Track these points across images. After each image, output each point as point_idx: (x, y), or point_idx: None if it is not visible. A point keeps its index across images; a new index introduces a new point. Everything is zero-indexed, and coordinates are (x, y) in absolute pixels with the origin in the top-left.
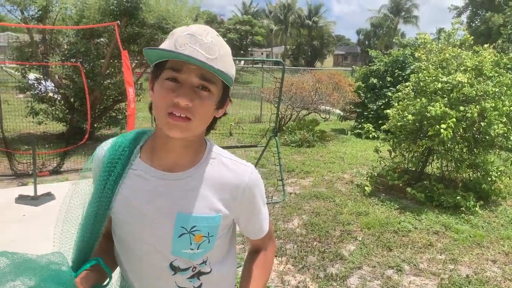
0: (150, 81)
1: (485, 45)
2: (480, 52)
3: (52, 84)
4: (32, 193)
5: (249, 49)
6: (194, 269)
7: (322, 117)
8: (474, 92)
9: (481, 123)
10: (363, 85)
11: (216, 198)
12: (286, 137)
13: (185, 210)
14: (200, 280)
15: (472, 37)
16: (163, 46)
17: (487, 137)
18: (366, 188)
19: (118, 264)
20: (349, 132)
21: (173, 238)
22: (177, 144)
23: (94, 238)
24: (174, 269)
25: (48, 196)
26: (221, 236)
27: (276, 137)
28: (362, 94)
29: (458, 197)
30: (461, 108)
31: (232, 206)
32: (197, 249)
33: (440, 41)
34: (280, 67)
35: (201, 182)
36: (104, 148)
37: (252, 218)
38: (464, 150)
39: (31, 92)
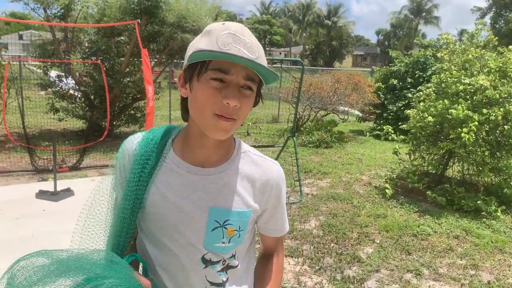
0: (180, 79)
1: (510, 46)
2: (504, 53)
3: (73, 82)
4: (52, 189)
5: (268, 48)
6: (224, 263)
7: (340, 118)
8: (498, 95)
9: (505, 126)
10: (383, 86)
11: (247, 193)
12: (303, 137)
13: (219, 204)
14: (228, 274)
15: (497, 38)
16: (203, 45)
17: (511, 140)
18: (387, 191)
19: (145, 260)
20: (367, 134)
21: (207, 231)
22: (211, 142)
23: (130, 233)
24: (206, 262)
25: (68, 192)
26: (249, 231)
27: (294, 138)
28: (381, 95)
29: (479, 202)
30: (484, 110)
31: (261, 201)
32: (228, 242)
33: (462, 42)
34: (299, 67)
35: (233, 177)
36: (134, 142)
37: (275, 214)
38: (486, 154)
39: (52, 89)
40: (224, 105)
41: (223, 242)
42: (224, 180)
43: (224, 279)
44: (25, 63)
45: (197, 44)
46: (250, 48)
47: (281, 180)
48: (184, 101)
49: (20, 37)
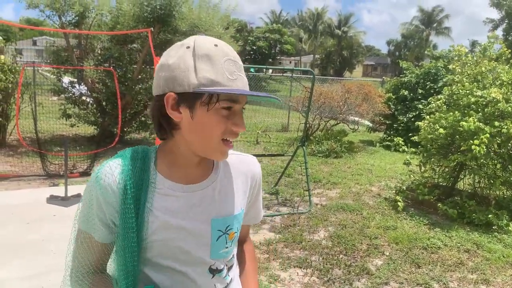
0: (169, 101)
1: None
2: None
3: (86, 88)
4: (62, 194)
5: (278, 57)
6: (226, 266)
7: (350, 128)
8: (510, 108)
9: None
10: (393, 97)
11: (238, 193)
12: (313, 147)
13: (218, 215)
14: (230, 275)
15: (510, 51)
16: (211, 75)
17: None
18: (399, 204)
19: None
20: (377, 144)
21: (212, 242)
22: (197, 159)
23: (138, 270)
24: (213, 272)
25: (78, 198)
26: None
27: (304, 147)
28: (392, 106)
29: (490, 215)
30: (496, 123)
31: (248, 196)
32: (230, 246)
33: (475, 53)
34: (309, 76)
35: (223, 184)
36: (114, 175)
37: (256, 203)
38: (498, 167)
39: (65, 95)
40: (233, 131)
41: (227, 247)
42: (217, 188)
43: (229, 281)
44: (39, 69)
45: (201, 72)
46: (242, 70)
47: (260, 170)
48: (165, 120)
49: (34, 43)
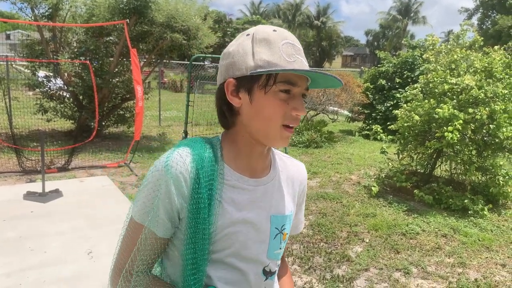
0: (229, 87)
1: (495, 47)
2: (490, 53)
3: (61, 82)
4: (40, 190)
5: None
6: (277, 269)
7: (330, 118)
8: (483, 94)
9: (490, 125)
10: (371, 86)
11: (290, 194)
12: (293, 137)
13: (276, 212)
14: (274, 281)
15: (482, 38)
16: (268, 56)
17: (496, 139)
18: (373, 188)
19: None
20: (356, 133)
21: (270, 240)
22: (262, 149)
23: (206, 264)
24: (266, 274)
25: (56, 193)
26: None
27: None
28: (370, 95)
29: (466, 200)
30: (470, 110)
31: (296, 201)
32: (282, 248)
33: (449, 42)
34: None
35: (280, 181)
36: (186, 163)
37: (299, 212)
38: (473, 153)
39: (41, 89)
40: (293, 116)
41: (280, 248)
42: (276, 186)
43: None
44: (12, 63)
45: (258, 54)
46: (303, 55)
47: (307, 178)
48: (226, 108)
49: (8, 37)
